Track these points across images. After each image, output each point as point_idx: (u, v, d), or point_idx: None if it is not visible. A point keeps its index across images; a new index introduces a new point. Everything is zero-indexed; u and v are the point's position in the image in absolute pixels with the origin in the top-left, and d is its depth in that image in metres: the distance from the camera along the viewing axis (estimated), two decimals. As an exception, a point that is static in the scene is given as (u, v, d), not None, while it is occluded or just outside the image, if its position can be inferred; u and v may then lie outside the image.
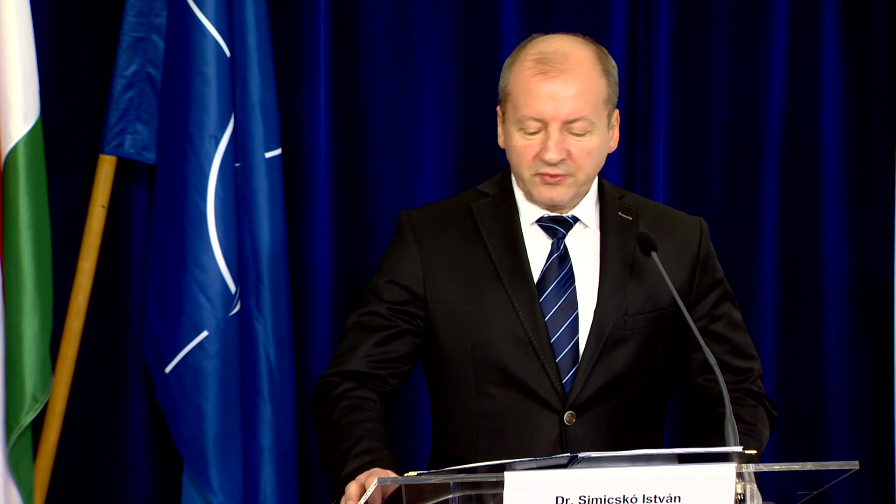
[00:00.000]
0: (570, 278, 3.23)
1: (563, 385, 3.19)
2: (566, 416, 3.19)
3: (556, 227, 3.26)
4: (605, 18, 4.19)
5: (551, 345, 3.20)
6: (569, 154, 3.17)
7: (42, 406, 3.67)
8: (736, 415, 3.14)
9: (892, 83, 4.31)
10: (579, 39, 3.24)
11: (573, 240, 3.26)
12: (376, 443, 3.08)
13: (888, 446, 4.27)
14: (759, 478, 2.77)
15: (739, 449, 2.75)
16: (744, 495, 2.74)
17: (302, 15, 4.05)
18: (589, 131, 3.18)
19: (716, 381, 3.02)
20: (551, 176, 3.18)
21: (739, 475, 2.73)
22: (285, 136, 3.96)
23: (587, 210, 3.28)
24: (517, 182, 3.28)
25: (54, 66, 3.88)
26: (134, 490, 4.02)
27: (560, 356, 3.20)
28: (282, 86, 3.95)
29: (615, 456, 2.69)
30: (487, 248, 3.25)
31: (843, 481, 2.91)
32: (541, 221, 3.26)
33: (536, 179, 3.20)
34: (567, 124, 3.15)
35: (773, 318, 4.30)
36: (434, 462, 3.32)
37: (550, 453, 3.15)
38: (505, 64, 3.25)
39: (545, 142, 3.16)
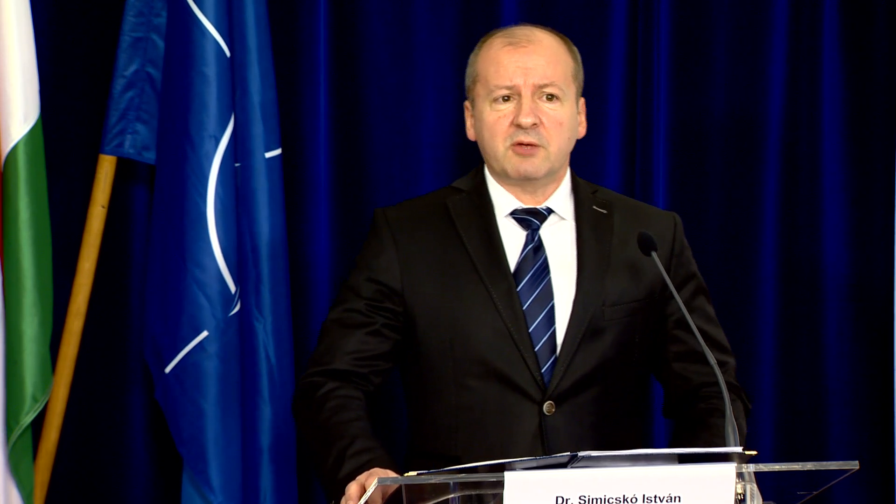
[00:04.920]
0: (545, 269, 3.27)
1: (541, 375, 3.22)
2: (545, 406, 3.21)
3: (531, 218, 3.29)
4: (605, 18, 4.19)
5: (529, 335, 3.23)
6: (541, 122, 3.24)
7: (42, 406, 3.67)
8: (715, 408, 3.16)
9: (892, 83, 4.31)
10: (543, 27, 3.38)
11: (548, 231, 3.31)
12: (371, 442, 3.09)
13: (888, 446, 4.27)
14: (759, 478, 2.77)
15: (739, 449, 2.75)
16: (744, 495, 2.74)
17: (302, 15, 4.05)
18: (559, 99, 3.26)
19: (694, 371, 3.13)
20: (524, 146, 3.22)
21: (739, 475, 2.73)
22: (285, 136, 3.96)
23: (562, 201, 3.33)
24: (491, 165, 3.32)
25: (54, 66, 3.88)
26: (134, 490, 4.02)
27: (538, 346, 3.23)
28: (282, 86, 3.95)
29: (615, 456, 2.69)
30: (464, 243, 3.29)
31: (843, 481, 2.91)
32: (515, 214, 3.31)
33: (510, 153, 3.25)
34: (539, 89, 3.25)
35: (773, 318, 4.30)
36: (411, 458, 3.33)
37: (530, 444, 3.18)
38: (469, 60, 3.37)
39: (518, 108, 3.24)
